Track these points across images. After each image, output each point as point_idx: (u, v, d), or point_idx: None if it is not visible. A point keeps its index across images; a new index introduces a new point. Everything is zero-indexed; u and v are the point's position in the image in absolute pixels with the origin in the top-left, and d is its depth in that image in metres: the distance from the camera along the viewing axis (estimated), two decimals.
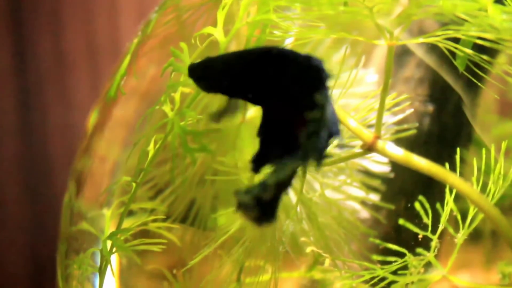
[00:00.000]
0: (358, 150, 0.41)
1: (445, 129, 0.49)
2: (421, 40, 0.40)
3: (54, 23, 0.80)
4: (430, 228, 0.42)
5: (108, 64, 0.80)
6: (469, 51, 0.39)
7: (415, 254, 0.43)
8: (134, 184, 0.40)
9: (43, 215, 0.80)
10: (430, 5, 0.39)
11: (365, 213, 0.47)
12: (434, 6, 0.38)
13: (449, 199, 0.42)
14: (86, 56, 0.81)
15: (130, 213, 0.43)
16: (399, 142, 0.46)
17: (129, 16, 0.82)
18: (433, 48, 0.47)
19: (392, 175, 0.47)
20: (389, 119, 0.46)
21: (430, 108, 0.48)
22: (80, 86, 0.81)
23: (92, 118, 0.50)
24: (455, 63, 0.41)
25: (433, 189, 0.46)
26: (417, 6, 0.38)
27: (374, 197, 0.47)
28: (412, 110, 0.46)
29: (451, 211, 0.42)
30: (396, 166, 0.47)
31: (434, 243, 0.42)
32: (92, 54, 0.81)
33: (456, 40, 0.40)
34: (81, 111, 0.80)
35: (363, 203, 0.46)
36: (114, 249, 0.39)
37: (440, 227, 0.42)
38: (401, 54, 0.49)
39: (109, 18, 0.81)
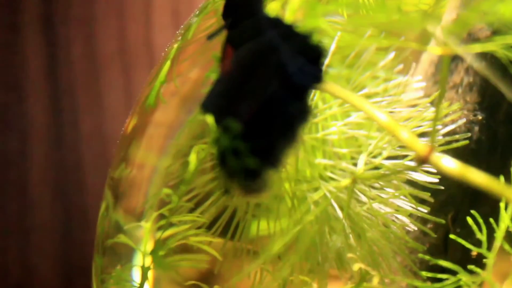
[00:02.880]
0: (409, 162, 0.39)
1: (495, 138, 0.47)
2: (477, 48, 0.38)
3: (86, 27, 0.79)
4: (484, 245, 0.40)
5: (141, 69, 0.79)
6: None
7: (466, 270, 0.41)
8: (175, 198, 0.38)
9: (74, 222, 0.79)
10: (487, 13, 0.37)
11: (411, 226, 0.45)
12: (493, 14, 0.36)
13: (504, 215, 0.40)
14: (119, 60, 0.79)
15: (169, 225, 0.41)
16: (447, 153, 0.45)
17: (163, 20, 0.81)
18: (482, 54, 0.45)
19: (441, 187, 0.45)
20: (441, 129, 0.44)
21: (480, 116, 0.47)
22: (112, 90, 0.80)
23: (130, 125, 0.49)
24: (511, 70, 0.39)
25: (481, 200, 0.45)
26: (475, 13, 0.36)
27: (423, 210, 0.45)
28: (464, 119, 0.44)
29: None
30: (442, 176, 0.45)
31: (490, 260, 0.40)
32: (124, 58, 0.79)
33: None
34: (113, 116, 0.79)
35: (411, 216, 0.45)
36: (153, 266, 0.37)
37: (495, 243, 0.40)
38: (450, 60, 0.47)
39: (142, 22, 0.80)
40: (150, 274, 0.40)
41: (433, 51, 0.37)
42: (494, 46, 0.38)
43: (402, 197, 0.44)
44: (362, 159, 0.41)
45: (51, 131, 0.79)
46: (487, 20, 0.37)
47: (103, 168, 0.78)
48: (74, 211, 0.79)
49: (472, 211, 0.43)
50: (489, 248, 0.41)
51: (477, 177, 0.37)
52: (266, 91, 0.35)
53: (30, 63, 0.79)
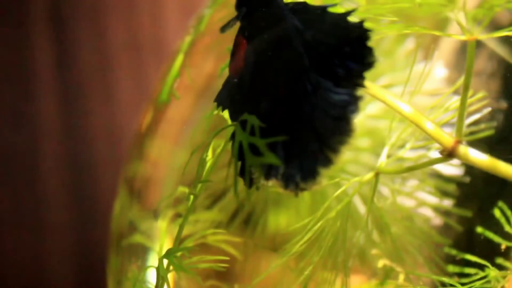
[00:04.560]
0: (435, 154, 0.38)
1: None
2: (505, 33, 0.36)
3: (96, 22, 0.78)
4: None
5: (152, 62, 0.78)
6: None
7: (496, 266, 0.40)
8: (192, 196, 0.37)
9: (87, 221, 0.78)
10: None
11: (436, 220, 0.44)
12: None
13: None
14: (129, 55, 0.78)
15: (186, 224, 0.40)
16: (471, 143, 0.43)
17: (173, 12, 0.79)
18: (506, 40, 0.44)
19: (467, 179, 0.43)
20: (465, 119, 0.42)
21: (504, 104, 0.45)
22: (123, 85, 0.78)
23: (144, 122, 0.47)
24: None
25: (507, 192, 0.43)
26: None
27: (448, 203, 0.43)
28: (489, 108, 0.43)
29: None
30: (467, 167, 0.44)
31: None
32: (135, 52, 0.78)
33: None
34: (125, 111, 0.78)
35: (436, 209, 0.43)
36: (171, 268, 0.36)
37: None
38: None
39: (152, 15, 0.79)
40: (168, 276, 0.38)
41: (458, 37, 0.36)
42: None
43: (426, 189, 0.43)
44: (385, 152, 0.40)
45: (62, 128, 0.78)
46: (511, 5, 0.36)
47: (116, 163, 0.77)
48: (87, 207, 0.78)
49: (500, 203, 0.41)
50: None
51: (506, 169, 0.36)
52: (287, 84, 0.33)
53: (40, 58, 0.78)
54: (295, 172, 0.32)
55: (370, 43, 0.33)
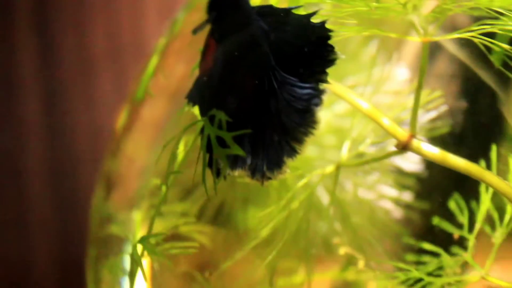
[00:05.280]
0: (392, 149, 0.40)
1: (479, 126, 0.48)
2: (456, 35, 0.39)
3: (78, 26, 0.80)
4: (466, 227, 0.41)
5: (132, 66, 0.80)
6: (505, 46, 0.38)
7: (451, 254, 0.42)
8: (164, 187, 0.39)
9: (70, 217, 0.80)
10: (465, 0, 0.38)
11: (398, 213, 0.46)
12: (470, 0, 0.37)
13: (484, 197, 0.41)
14: (110, 58, 0.80)
15: (160, 215, 0.42)
16: (433, 140, 0.46)
17: (153, 17, 0.81)
18: (466, 43, 0.46)
19: (425, 174, 0.46)
20: (422, 116, 0.45)
21: (464, 104, 0.48)
22: (104, 86, 0.80)
23: (120, 120, 0.50)
24: (491, 58, 0.40)
25: (467, 186, 0.46)
26: (452, 0, 0.37)
27: (408, 196, 0.46)
28: (446, 107, 0.45)
29: (488, 209, 0.41)
30: (429, 163, 0.46)
31: (471, 242, 0.41)
32: (116, 55, 0.80)
33: (491, 35, 0.39)
34: (106, 111, 0.80)
35: (397, 202, 0.46)
36: (145, 254, 0.38)
37: (477, 225, 0.41)
38: (433, 50, 0.48)
39: (132, 20, 0.81)
40: (143, 263, 0.41)
41: (412, 39, 0.38)
42: (473, 34, 0.39)
43: (388, 183, 0.46)
44: (345, 147, 0.42)
45: (44, 128, 0.79)
46: (465, 7, 0.38)
47: (97, 162, 0.79)
48: (69, 205, 0.79)
49: (456, 195, 0.44)
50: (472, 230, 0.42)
51: (457, 162, 0.39)
52: (254, 81, 0.35)
53: (23, 62, 0.79)
54: (261, 162, 0.35)
55: (331, 42, 0.35)
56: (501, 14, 0.37)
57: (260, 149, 0.35)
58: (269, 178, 0.35)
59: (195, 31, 0.38)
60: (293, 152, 0.34)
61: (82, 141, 0.80)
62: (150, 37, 0.81)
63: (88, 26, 0.80)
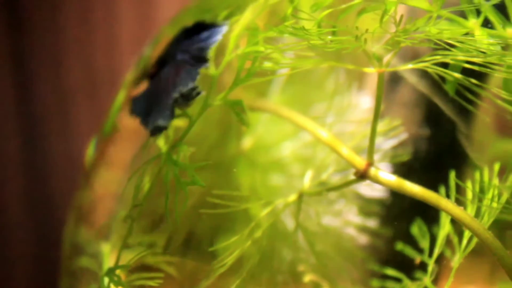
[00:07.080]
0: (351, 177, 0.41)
1: (441, 152, 0.49)
2: (410, 66, 0.40)
3: (54, 59, 0.81)
4: (427, 252, 0.42)
5: (107, 97, 0.81)
6: (458, 75, 0.39)
7: (413, 279, 0.43)
8: (129, 219, 0.40)
9: (47, 244, 0.81)
10: (417, 32, 0.39)
11: (364, 240, 0.47)
12: (421, 32, 0.39)
13: (445, 222, 0.43)
14: (86, 89, 0.81)
15: (128, 247, 0.43)
16: (396, 167, 0.47)
17: (127, 46, 0.82)
18: (426, 73, 0.48)
19: (389, 200, 0.47)
20: (384, 144, 0.46)
21: (426, 132, 0.49)
22: (81, 116, 0.81)
23: (90, 152, 0.51)
24: (445, 87, 0.41)
25: (430, 211, 0.47)
26: (404, 33, 0.38)
27: (372, 223, 0.47)
28: (406, 134, 0.47)
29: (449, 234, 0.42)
30: (394, 192, 0.47)
31: (431, 267, 0.42)
32: (91, 87, 0.81)
33: (446, 65, 0.40)
34: (83, 142, 0.81)
35: (362, 229, 0.47)
36: (111, 286, 0.39)
37: (437, 250, 0.42)
38: (397, 79, 0.49)
39: (107, 52, 0.82)
40: None
41: (368, 71, 0.40)
42: (426, 64, 0.40)
43: (352, 211, 0.46)
44: (307, 176, 0.44)
45: (21, 157, 0.80)
46: (416, 39, 0.39)
47: (73, 194, 0.80)
48: (46, 233, 0.80)
49: (418, 220, 0.45)
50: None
51: (413, 189, 0.40)
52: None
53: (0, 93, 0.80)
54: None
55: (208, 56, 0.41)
56: (452, 46, 0.38)
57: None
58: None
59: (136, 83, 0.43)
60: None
61: (59, 170, 0.81)
62: (126, 69, 0.82)
63: (64, 60, 0.81)
